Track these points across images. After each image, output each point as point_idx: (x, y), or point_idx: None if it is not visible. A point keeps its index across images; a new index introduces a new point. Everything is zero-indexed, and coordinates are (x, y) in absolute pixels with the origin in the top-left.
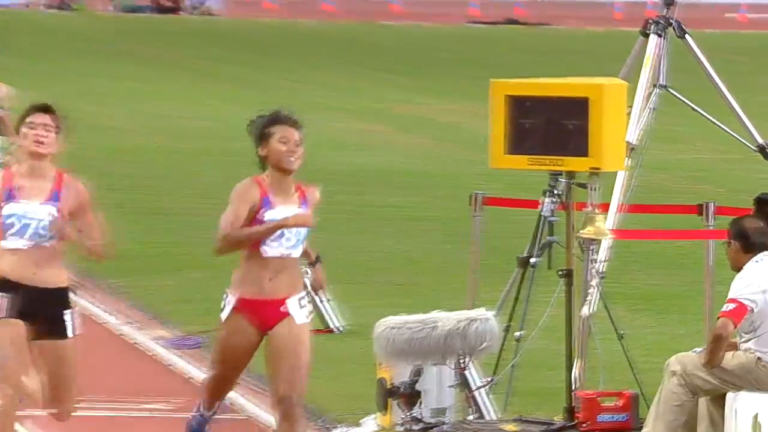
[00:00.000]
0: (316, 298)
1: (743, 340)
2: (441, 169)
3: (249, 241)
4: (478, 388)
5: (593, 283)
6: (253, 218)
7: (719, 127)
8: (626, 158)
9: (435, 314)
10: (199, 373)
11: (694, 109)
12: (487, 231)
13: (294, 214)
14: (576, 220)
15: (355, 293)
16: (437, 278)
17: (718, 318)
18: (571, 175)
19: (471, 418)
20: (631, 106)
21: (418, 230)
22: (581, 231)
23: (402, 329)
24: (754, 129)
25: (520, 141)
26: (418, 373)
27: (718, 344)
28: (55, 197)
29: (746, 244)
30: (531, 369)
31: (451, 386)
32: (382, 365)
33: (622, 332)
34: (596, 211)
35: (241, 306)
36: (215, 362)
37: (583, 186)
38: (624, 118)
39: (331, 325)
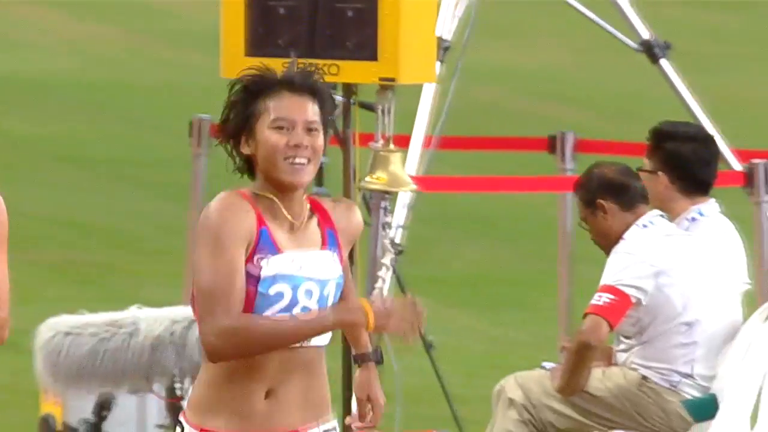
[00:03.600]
0: None
1: (622, 348)
2: (139, 79)
3: (266, 344)
4: None
5: (385, 261)
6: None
7: (581, 12)
8: (437, 63)
9: (134, 312)
10: None
11: None
12: (218, 178)
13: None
14: (359, 161)
15: None
16: (140, 255)
17: (585, 316)
18: (350, 90)
19: None
20: None
21: (102, 179)
22: (367, 179)
23: (82, 336)
24: (636, 17)
25: (270, 36)
26: (106, 405)
27: (582, 357)
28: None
29: (625, 200)
30: None
31: (161, 426)
32: (48, 394)
33: (431, 339)
34: (390, 147)
35: None
36: None
37: (370, 108)
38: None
39: None
